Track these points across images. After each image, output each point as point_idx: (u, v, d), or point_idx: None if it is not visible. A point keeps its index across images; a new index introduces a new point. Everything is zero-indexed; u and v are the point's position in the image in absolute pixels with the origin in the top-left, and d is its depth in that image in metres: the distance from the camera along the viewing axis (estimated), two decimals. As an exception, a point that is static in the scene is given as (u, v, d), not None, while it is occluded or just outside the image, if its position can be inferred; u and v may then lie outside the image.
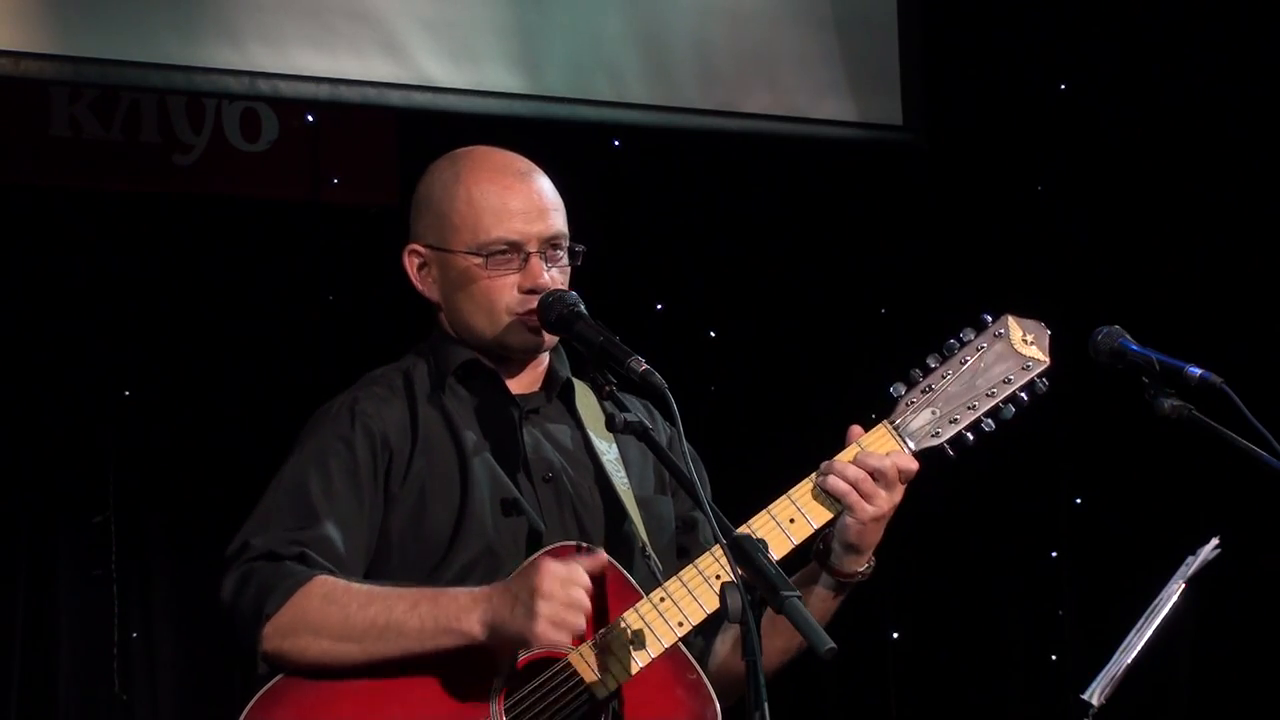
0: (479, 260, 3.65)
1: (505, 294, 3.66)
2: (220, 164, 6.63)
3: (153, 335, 6.47)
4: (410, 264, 3.74)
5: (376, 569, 3.58)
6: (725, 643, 3.73)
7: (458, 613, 3.43)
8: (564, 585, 3.40)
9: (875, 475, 3.60)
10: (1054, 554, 7.10)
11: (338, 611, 3.44)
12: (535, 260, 3.66)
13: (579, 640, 3.49)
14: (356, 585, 3.49)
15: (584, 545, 3.56)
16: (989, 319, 3.73)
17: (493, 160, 3.74)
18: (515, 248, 3.66)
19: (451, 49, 5.98)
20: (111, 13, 5.54)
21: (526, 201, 3.68)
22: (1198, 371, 3.83)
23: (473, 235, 3.66)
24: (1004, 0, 7.00)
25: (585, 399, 3.75)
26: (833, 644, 3.23)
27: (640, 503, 3.71)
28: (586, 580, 3.43)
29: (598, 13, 6.24)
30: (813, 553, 3.68)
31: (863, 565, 3.66)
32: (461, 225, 3.67)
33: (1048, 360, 3.72)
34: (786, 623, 3.38)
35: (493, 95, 6.05)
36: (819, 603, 3.67)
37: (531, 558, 3.50)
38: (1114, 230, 6.95)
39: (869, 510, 3.59)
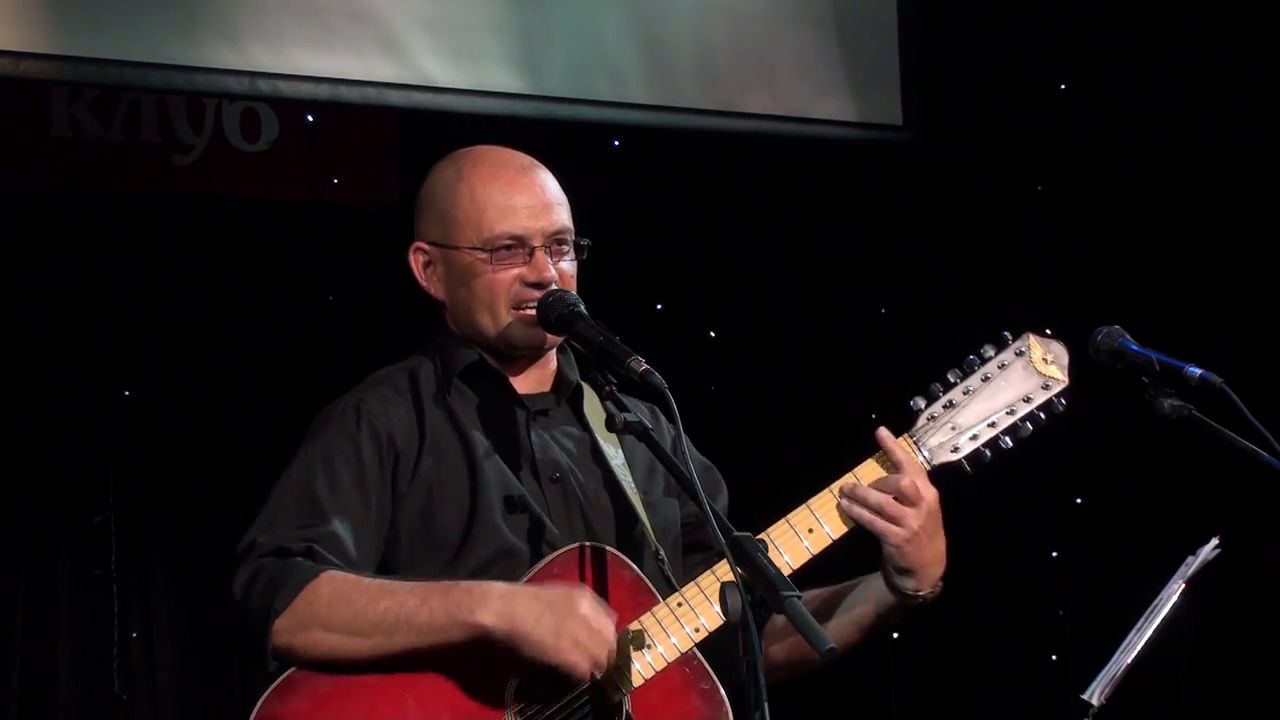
0: (483, 255, 3.65)
1: (509, 287, 3.65)
2: (220, 164, 6.63)
3: (153, 335, 6.47)
4: (415, 262, 3.74)
5: (387, 567, 3.57)
6: (769, 639, 3.71)
7: (471, 605, 3.41)
8: (597, 617, 3.41)
9: (897, 496, 3.58)
10: (1054, 554, 7.10)
11: (347, 606, 3.43)
12: (540, 254, 3.66)
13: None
14: (366, 579, 3.47)
15: (597, 546, 3.56)
16: (1010, 337, 3.73)
17: (495, 157, 3.75)
18: (520, 242, 3.66)
19: (451, 49, 5.98)
20: (111, 13, 5.54)
21: (530, 196, 3.68)
22: (1198, 371, 3.83)
23: (477, 231, 3.66)
24: (1004, 0, 7.00)
25: (593, 403, 3.74)
26: (833, 644, 3.26)
27: (647, 506, 3.70)
28: (613, 634, 3.43)
29: (598, 13, 6.24)
30: (880, 568, 3.66)
31: (925, 589, 3.62)
32: (465, 221, 3.67)
33: (1066, 380, 3.73)
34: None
35: (493, 95, 6.05)
36: (876, 615, 3.68)
37: (549, 559, 3.50)
38: (1114, 230, 6.95)
39: (899, 533, 3.56)
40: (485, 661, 3.45)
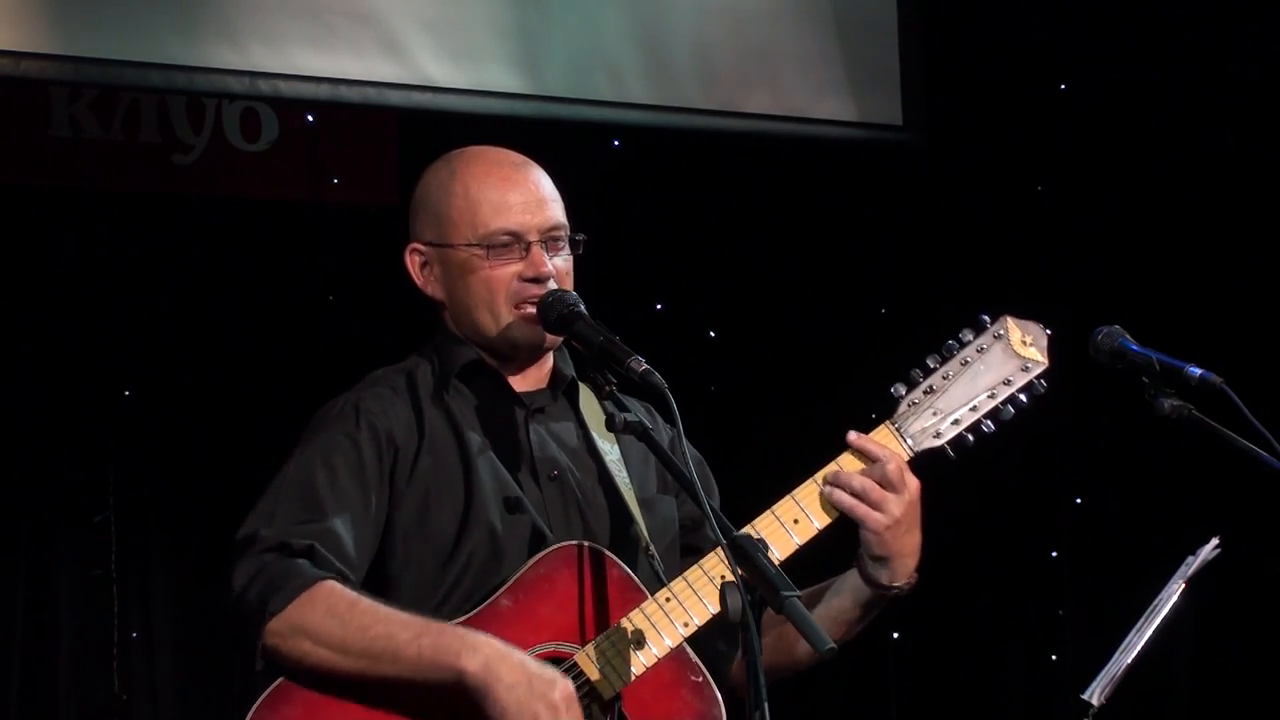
0: (480, 251, 3.66)
1: (507, 284, 3.66)
2: (220, 164, 6.63)
3: (153, 335, 6.47)
4: (412, 263, 3.75)
5: (384, 564, 3.58)
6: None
7: (459, 650, 3.41)
8: (567, 710, 3.39)
9: (881, 482, 3.59)
10: (1054, 554, 7.10)
11: (340, 624, 3.44)
12: (537, 249, 3.66)
13: (586, 640, 3.50)
14: (364, 601, 3.47)
15: (586, 544, 3.56)
16: (987, 320, 3.74)
17: (488, 155, 3.76)
18: (516, 238, 3.67)
19: (451, 49, 5.98)
20: (111, 13, 5.54)
21: (524, 193, 3.69)
22: (1198, 371, 3.83)
23: (472, 228, 3.67)
24: (1004, 0, 7.00)
25: (588, 399, 3.75)
26: (833, 644, 3.25)
27: (643, 504, 3.70)
28: None
29: (598, 13, 6.24)
30: (855, 560, 3.67)
31: (900, 580, 3.64)
32: (460, 219, 3.68)
33: (1046, 362, 3.73)
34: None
35: (493, 95, 6.05)
36: (853, 608, 3.67)
37: (537, 557, 3.48)
38: (1114, 230, 6.95)
39: (880, 519, 3.58)
40: (458, 707, 3.42)
